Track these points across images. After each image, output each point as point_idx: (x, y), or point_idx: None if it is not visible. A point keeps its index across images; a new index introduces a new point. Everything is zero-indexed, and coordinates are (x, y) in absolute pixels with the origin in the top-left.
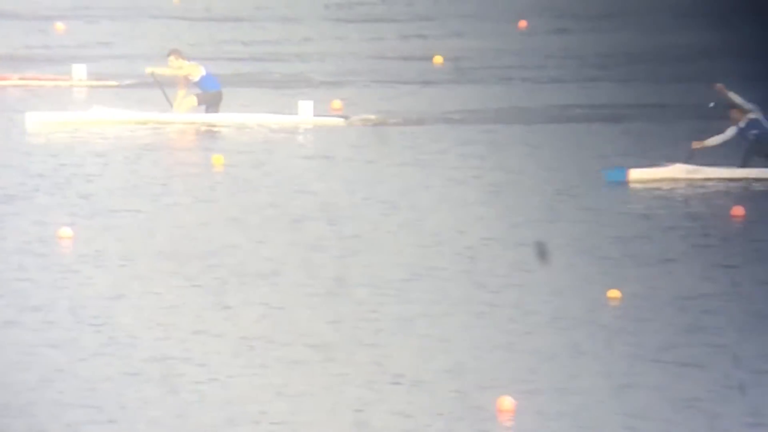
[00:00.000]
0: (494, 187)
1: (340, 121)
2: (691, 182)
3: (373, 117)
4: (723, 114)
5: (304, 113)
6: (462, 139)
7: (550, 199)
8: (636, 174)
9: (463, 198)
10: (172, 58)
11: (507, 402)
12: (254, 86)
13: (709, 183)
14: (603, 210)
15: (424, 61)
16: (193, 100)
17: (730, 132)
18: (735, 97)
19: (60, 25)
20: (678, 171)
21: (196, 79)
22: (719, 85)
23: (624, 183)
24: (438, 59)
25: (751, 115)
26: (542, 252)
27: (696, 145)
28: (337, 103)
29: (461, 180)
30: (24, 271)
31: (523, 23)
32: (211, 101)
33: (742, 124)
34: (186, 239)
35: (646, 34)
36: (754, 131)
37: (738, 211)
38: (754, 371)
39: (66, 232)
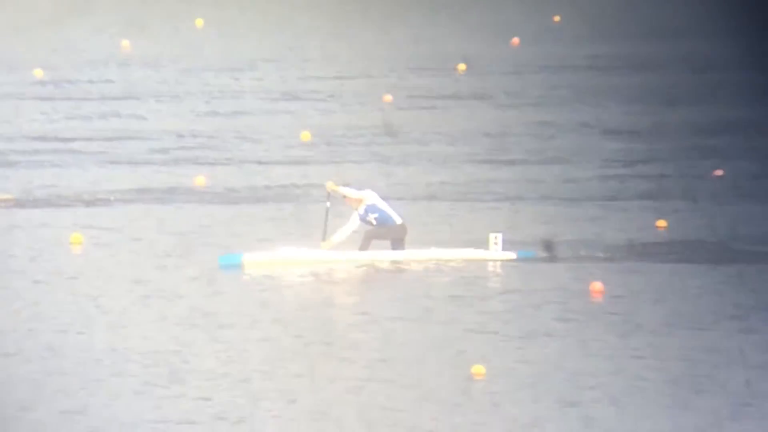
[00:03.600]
0: None
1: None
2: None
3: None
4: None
5: None
6: None
7: None
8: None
9: None
10: None
11: None
12: None
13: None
14: None
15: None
16: None
17: (354, 219)
18: (346, 191)
19: None
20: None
21: None
22: (329, 183)
23: (238, 268)
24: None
25: (368, 201)
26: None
27: (325, 245)
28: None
29: None
30: None
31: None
32: None
33: (361, 211)
34: None
35: None
36: (374, 215)
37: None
38: None
39: None
